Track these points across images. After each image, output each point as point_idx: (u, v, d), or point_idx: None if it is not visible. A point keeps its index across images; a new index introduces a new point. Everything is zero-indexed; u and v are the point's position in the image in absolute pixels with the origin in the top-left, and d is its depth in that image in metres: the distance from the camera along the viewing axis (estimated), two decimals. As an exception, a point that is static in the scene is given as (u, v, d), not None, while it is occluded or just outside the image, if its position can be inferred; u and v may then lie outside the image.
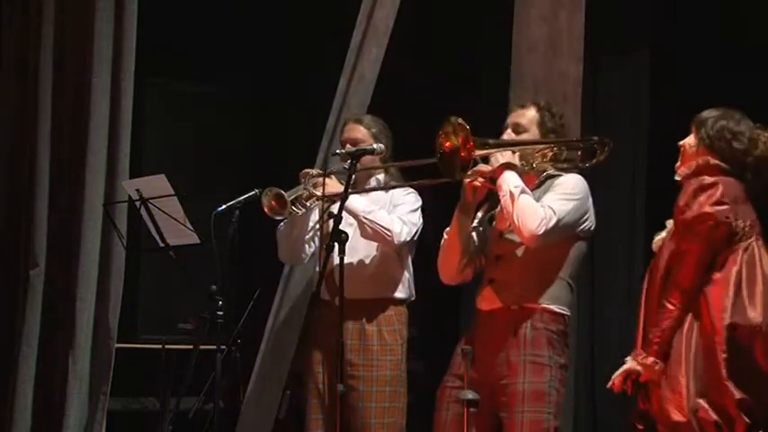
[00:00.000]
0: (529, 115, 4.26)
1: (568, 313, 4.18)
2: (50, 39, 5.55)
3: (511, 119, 4.29)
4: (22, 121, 5.59)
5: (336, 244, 4.03)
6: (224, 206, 4.66)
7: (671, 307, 3.76)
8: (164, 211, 4.92)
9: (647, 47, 6.20)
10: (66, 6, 5.60)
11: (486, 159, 4.15)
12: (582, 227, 4.17)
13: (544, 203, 4.07)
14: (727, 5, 5.88)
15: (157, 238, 5.03)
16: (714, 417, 3.68)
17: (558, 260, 4.15)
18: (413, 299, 4.85)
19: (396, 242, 4.65)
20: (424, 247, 4.77)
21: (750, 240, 3.82)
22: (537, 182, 4.21)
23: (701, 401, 3.71)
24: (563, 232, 4.09)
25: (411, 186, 4.73)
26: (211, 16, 6.38)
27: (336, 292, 4.13)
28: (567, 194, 4.12)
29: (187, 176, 5.71)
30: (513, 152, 4.15)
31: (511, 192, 4.05)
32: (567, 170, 4.22)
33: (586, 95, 5.13)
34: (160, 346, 5.57)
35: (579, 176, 4.20)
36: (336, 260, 4.08)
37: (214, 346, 4.57)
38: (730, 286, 3.76)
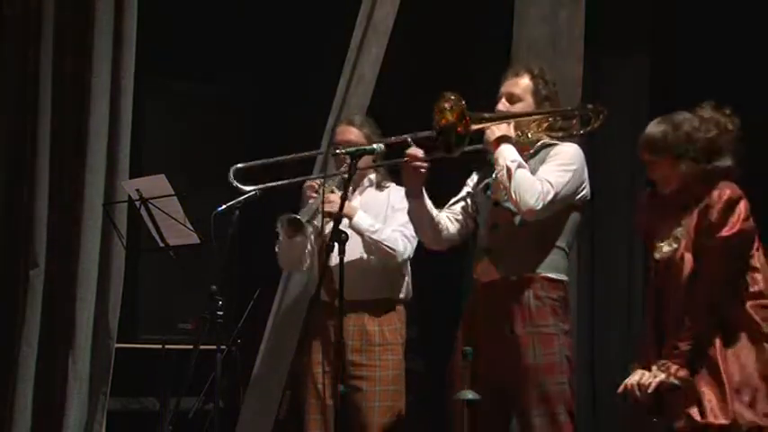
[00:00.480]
0: (522, 84, 4.24)
1: (567, 279, 4.18)
2: (50, 39, 5.55)
3: (504, 88, 4.27)
4: (22, 121, 5.58)
5: (336, 244, 4.02)
6: (224, 206, 4.66)
7: (704, 319, 3.73)
8: (164, 211, 4.93)
9: (647, 47, 6.19)
10: (66, 6, 5.60)
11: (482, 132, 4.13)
12: (578, 197, 4.16)
13: (541, 177, 4.04)
14: (727, 5, 5.86)
15: (157, 238, 5.03)
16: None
17: (555, 228, 4.13)
18: (410, 297, 4.86)
19: (399, 260, 4.70)
20: (422, 244, 4.76)
21: (756, 244, 3.83)
22: (532, 150, 4.19)
23: (746, 408, 3.68)
24: (561, 204, 4.08)
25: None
26: (211, 16, 6.38)
27: (336, 292, 4.12)
28: (564, 166, 4.10)
29: (187, 176, 5.71)
30: (509, 123, 4.14)
31: (507, 167, 4.03)
32: (562, 139, 4.21)
33: (586, 95, 5.12)
34: (160, 346, 5.57)
35: (575, 146, 4.18)
36: (336, 260, 4.07)
37: (214, 346, 4.56)
38: None
